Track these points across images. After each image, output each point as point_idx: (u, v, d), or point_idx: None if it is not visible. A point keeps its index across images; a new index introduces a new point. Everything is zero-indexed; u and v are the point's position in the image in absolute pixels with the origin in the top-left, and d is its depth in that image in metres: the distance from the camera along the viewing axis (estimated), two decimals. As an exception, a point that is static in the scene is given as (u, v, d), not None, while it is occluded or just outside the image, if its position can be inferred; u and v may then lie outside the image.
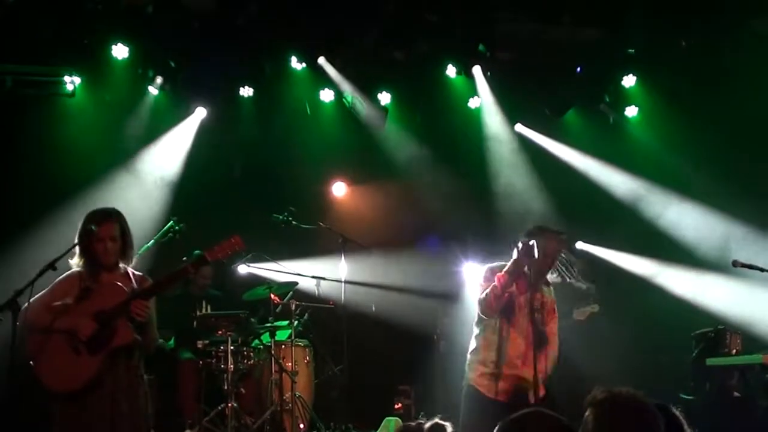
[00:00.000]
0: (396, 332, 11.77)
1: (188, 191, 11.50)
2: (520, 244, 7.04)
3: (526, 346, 7.21)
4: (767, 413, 9.20)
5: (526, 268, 7.10)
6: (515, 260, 7.06)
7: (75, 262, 6.55)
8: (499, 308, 7.17)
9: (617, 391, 3.73)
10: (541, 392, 7.04)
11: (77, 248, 6.52)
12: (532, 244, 7.02)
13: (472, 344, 7.43)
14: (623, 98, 12.55)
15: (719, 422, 9.46)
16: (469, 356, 7.41)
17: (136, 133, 11.38)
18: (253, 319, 10.51)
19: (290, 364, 10.28)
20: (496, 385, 7.15)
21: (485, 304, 7.15)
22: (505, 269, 7.11)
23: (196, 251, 9.75)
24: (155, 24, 10.46)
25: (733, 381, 9.79)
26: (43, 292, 6.41)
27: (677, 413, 4.01)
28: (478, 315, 7.34)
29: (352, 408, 10.80)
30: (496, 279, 7.11)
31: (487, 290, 7.11)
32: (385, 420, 10.26)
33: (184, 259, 9.42)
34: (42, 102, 11.16)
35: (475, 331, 7.43)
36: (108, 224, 6.56)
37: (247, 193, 11.93)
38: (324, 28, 11.25)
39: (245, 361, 10.14)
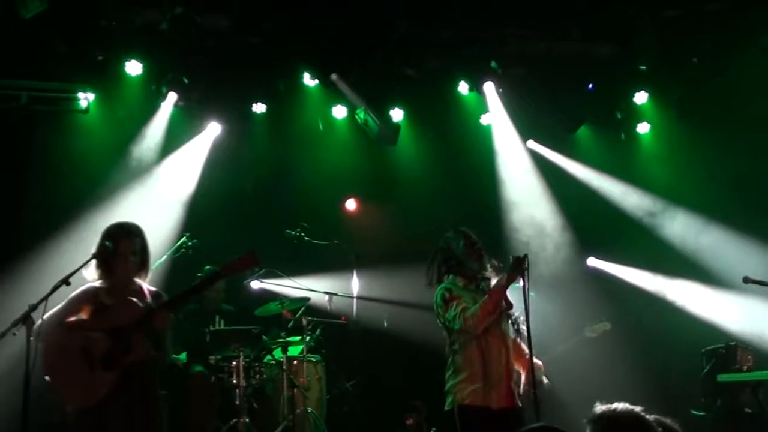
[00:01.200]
0: (408, 347, 11.80)
1: (201, 207, 11.56)
2: (517, 262, 7.03)
3: (507, 356, 7.22)
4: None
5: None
6: (509, 276, 7.04)
7: (91, 276, 6.58)
8: (487, 324, 7.14)
9: (615, 407, 3.77)
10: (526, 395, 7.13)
11: (94, 262, 6.55)
12: (524, 258, 7.06)
13: (452, 367, 7.27)
14: (635, 114, 12.58)
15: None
16: (451, 380, 7.23)
17: (150, 149, 11.44)
18: (265, 337, 10.55)
19: (302, 379, 10.32)
20: (489, 397, 7.07)
21: (475, 321, 7.04)
22: (499, 286, 7.10)
23: (207, 267, 9.91)
24: (169, 41, 10.51)
25: (745, 397, 9.78)
26: (59, 307, 6.44)
27: (677, 427, 4.04)
28: (456, 333, 7.21)
29: (364, 423, 10.83)
30: (488, 296, 7.09)
31: (476, 308, 7.06)
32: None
33: (199, 274, 9.51)
34: (56, 118, 11.23)
35: (453, 351, 7.28)
36: (129, 239, 6.61)
37: (259, 209, 12.01)
38: (337, 44, 11.28)
39: (257, 376, 10.19)
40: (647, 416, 3.81)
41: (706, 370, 10.25)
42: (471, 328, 7.07)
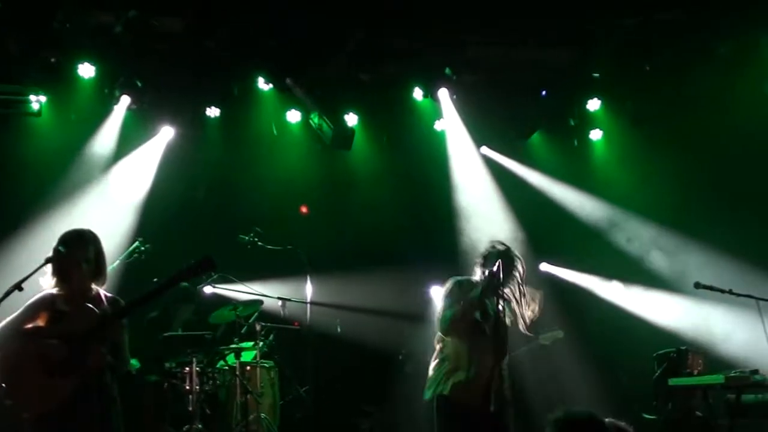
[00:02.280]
0: (362, 353, 11.80)
1: (154, 211, 11.47)
2: (496, 264, 7.24)
3: (495, 360, 7.34)
4: (728, 432, 9.31)
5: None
6: (490, 281, 7.22)
7: (47, 284, 6.50)
8: (463, 327, 7.32)
9: (574, 411, 3.82)
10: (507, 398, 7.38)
11: (49, 268, 6.47)
12: (508, 263, 7.34)
13: (439, 356, 7.52)
14: (588, 121, 12.67)
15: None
16: (435, 369, 7.50)
17: (102, 152, 11.32)
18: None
19: (255, 385, 10.27)
20: (470, 393, 7.27)
21: (451, 322, 7.31)
22: (474, 296, 7.30)
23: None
24: (123, 44, 10.42)
25: (695, 401, 9.88)
26: (15, 314, 6.36)
27: (630, 430, 4.11)
28: (445, 329, 7.44)
29: (317, 429, 10.82)
30: (458, 309, 7.29)
31: (456, 308, 7.28)
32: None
33: (155, 279, 9.42)
34: (7, 120, 11.09)
35: (442, 343, 7.53)
36: (83, 246, 6.52)
37: (213, 214, 11.95)
38: (292, 49, 11.25)
39: (210, 382, 10.14)
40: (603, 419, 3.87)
41: (657, 374, 10.34)
42: (442, 330, 7.42)
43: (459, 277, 7.61)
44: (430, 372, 7.54)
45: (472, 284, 7.49)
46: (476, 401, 7.25)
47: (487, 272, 7.33)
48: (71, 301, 6.45)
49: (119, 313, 6.48)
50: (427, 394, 7.49)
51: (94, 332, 6.28)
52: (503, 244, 7.74)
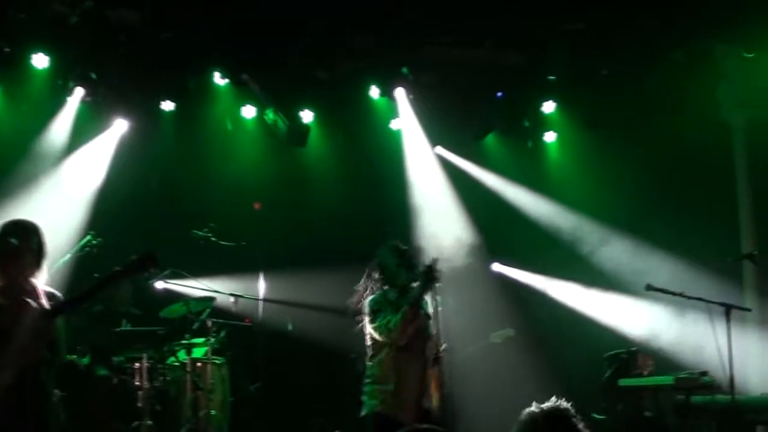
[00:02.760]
0: (313, 351, 11.77)
1: (107, 205, 11.32)
2: (429, 270, 7.30)
3: (423, 372, 7.43)
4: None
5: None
6: (425, 287, 7.30)
7: None
8: (409, 334, 7.34)
9: (542, 407, 3.87)
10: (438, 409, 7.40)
11: None
12: (434, 263, 7.34)
13: (370, 372, 7.53)
14: (542, 123, 12.74)
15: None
16: (368, 385, 7.50)
17: (55, 144, 11.16)
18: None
19: (206, 381, 10.20)
20: (401, 407, 7.29)
21: (397, 331, 7.29)
22: (414, 296, 7.35)
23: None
24: (78, 35, 10.30)
25: (645, 402, 9.98)
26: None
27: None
28: (378, 344, 7.47)
29: (268, 427, 10.79)
30: (407, 306, 7.29)
31: (397, 318, 7.28)
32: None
33: (96, 275, 9.33)
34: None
35: (372, 358, 7.54)
36: (25, 238, 6.39)
37: (166, 209, 11.82)
38: (248, 44, 11.20)
39: (161, 378, 10.05)
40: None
41: (607, 375, 10.43)
42: (394, 339, 7.33)
43: (372, 296, 7.60)
44: (363, 391, 7.54)
45: (388, 299, 7.51)
46: (410, 414, 7.27)
47: (427, 266, 7.34)
48: (8, 295, 6.28)
49: (58, 308, 6.35)
50: (363, 411, 7.50)
51: (29, 327, 6.15)
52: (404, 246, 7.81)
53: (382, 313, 7.40)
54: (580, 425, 3.91)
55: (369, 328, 7.49)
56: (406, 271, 7.56)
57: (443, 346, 7.53)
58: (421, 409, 7.34)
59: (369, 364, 7.55)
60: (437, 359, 7.48)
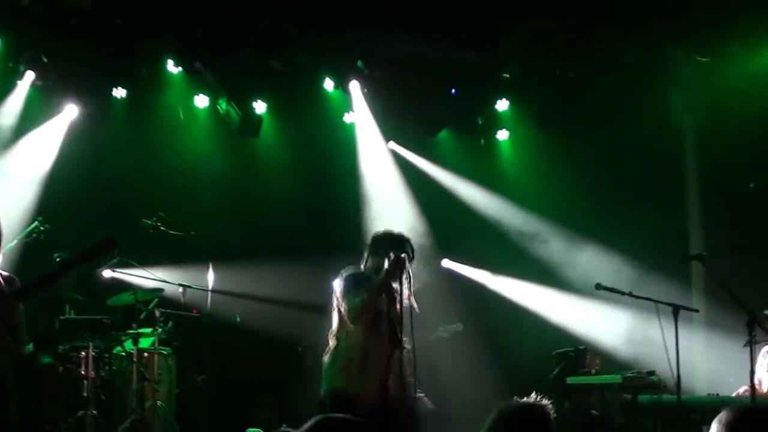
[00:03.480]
0: (261, 343, 11.71)
1: (55, 191, 11.15)
2: (392, 256, 7.30)
3: (389, 356, 7.43)
4: (624, 431, 9.48)
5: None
6: (389, 272, 7.27)
7: None
8: (368, 318, 7.35)
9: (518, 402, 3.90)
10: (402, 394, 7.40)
11: None
12: (404, 257, 7.34)
13: (334, 353, 7.51)
14: (495, 121, 12.79)
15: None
16: (329, 364, 7.50)
17: (4, 128, 10.99)
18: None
19: (152, 372, 10.11)
20: (363, 387, 7.30)
21: (357, 313, 7.30)
22: (379, 282, 7.33)
23: (57, 254, 9.61)
24: (30, 18, 10.14)
25: (592, 399, 10.05)
26: None
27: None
28: (341, 324, 7.46)
29: (214, 418, 10.72)
30: (366, 292, 7.29)
31: (357, 300, 7.28)
32: (246, 431, 10.19)
33: (58, 260, 9.23)
34: None
35: (337, 339, 7.52)
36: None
37: (115, 196, 11.67)
38: (203, 32, 11.13)
39: (107, 367, 9.95)
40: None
41: (555, 373, 10.51)
42: (351, 319, 7.35)
43: (352, 269, 7.59)
44: (324, 368, 7.53)
45: (367, 274, 7.52)
46: (372, 395, 7.28)
47: (392, 255, 7.33)
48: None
49: (18, 293, 6.27)
50: (322, 390, 7.48)
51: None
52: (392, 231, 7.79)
53: (354, 291, 7.38)
54: (553, 425, 3.93)
55: (340, 302, 7.48)
56: (384, 258, 7.48)
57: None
58: (385, 391, 7.36)
59: (333, 342, 7.53)
60: (400, 342, 7.49)
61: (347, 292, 7.42)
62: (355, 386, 7.31)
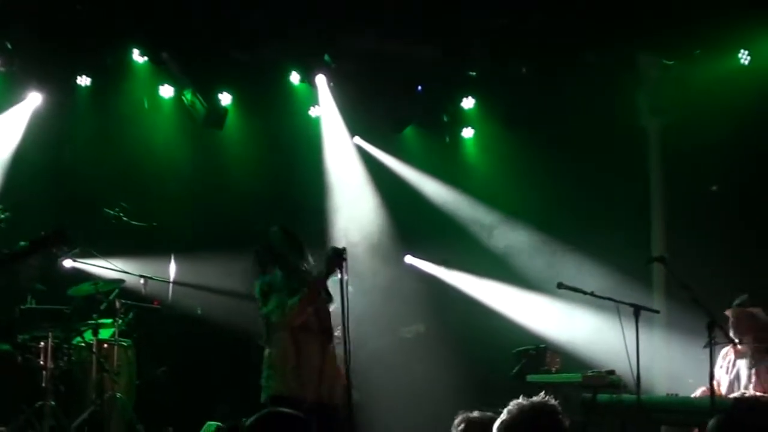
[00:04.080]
0: (222, 336, 11.68)
1: (17, 180, 11.08)
2: (335, 255, 7.40)
3: (323, 354, 7.53)
4: (584, 430, 9.54)
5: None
6: (328, 267, 7.38)
7: None
8: (305, 317, 7.43)
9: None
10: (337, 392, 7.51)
11: None
12: (343, 250, 7.43)
13: (269, 358, 7.56)
14: (461, 119, 12.83)
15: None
16: (265, 372, 7.55)
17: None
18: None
19: (112, 363, 10.08)
20: (302, 389, 7.35)
21: (293, 313, 7.35)
22: (317, 278, 7.46)
23: (21, 243, 9.53)
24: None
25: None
26: None
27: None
28: (273, 327, 7.51)
29: (173, 411, 10.70)
30: (307, 287, 7.39)
31: (295, 300, 7.34)
32: (206, 424, 10.17)
33: (6, 251, 9.16)
34: None
35: (269, 341, 7.58)
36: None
37: (79, 186, 11.59)
38: (169, 22, 11.09)
39: (66, 358, 9.90)
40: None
41: (515, 370, 10.55)
42: (290, 320, 7.36)
43: (265, 278, 7.64)
44: (262, 376, 7.58)
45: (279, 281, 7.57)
46: (309, 395, 7.34)
47: (333, 250, 7.44)
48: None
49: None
50: (262, 397, 7.52)
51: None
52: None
53: (274, 294, 7.44)
54: (566, 422, 4.00)
55: (262, 312, 7.55)
56: (297, 254, 7.64)
57: (338, 331, 7.65)
58: (323, 390, 7.43)
59: (266, 348, 7.59)
60: (331, 337, 7.63)
61: (272, 295, 7.48)
62: (293, 389, 7.34)
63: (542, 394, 4.08)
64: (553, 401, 4.04)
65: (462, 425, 5.07)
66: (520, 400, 4.04)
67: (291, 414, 3.81)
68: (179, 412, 10.70)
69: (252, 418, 3.78)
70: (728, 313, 8.96)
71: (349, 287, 7.50)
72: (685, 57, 11.29)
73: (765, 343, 8.86)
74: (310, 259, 7.71)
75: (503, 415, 4.00)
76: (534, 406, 4.00)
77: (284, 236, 7.74)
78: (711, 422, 4.63)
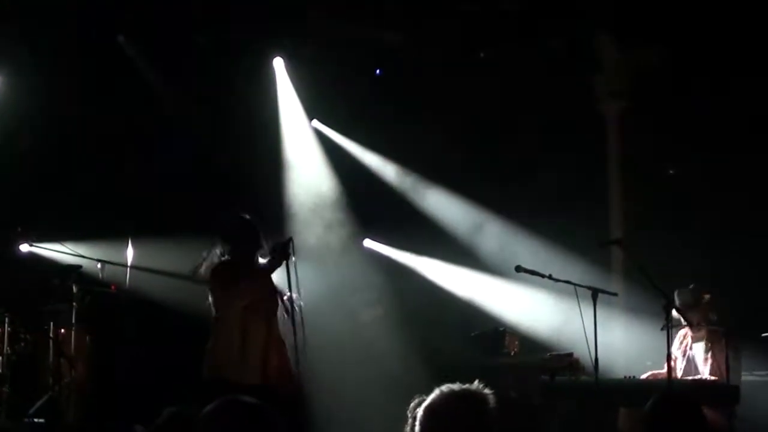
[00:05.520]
0: (180, 320, 11.65)
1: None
2: (283, 246, 7.60)
3: (267, 337, 7.66)
4: (542, 412, 9.69)
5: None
6: (272, 260, 7.55)
7: None
8: (247, 302, 7.56)
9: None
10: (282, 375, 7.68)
11: None
12: (288, 242, 7.65)
13: (213, 338, 7.74)
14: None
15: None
16: (209, 351, 7.73)
17: None
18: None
19: (69, 349, 10.08)
20: (242, 372, 7.48)
21: (237, 298, 7.52)
22: (263, 269, 7.62)
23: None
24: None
25: (510, 381, 10.21)
26: None
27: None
28: (221, 309, 7.67)
29: (132, 395, 10.67)
30: (251, 276, 7.57)
31: (241, 287, 7.49)
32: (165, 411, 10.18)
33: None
34: None
35: (216, 325, 7.75)
36: None
37: (37, 170, 11.52)
38: (126, 5, 11.07)
39: (22, 344, 9.89)
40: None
41: (474, 354, 10.66)
42: (233, 304, 7.55)
43: (225, 262, 7.75)
44: (206, 354, 7.75)
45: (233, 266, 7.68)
46: (251, 377, 7.47)
47: (281, 242, 7.63)
48: None
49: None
50: (204, 372, 7.68)
51: None
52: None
53: (226, 279, 7.56)
54: (493, 413, 3.92)
55: (213, 295, 7.68)
56: (251, 241, 7.74)
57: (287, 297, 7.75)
58: (265, 372, 7.57)
59: (216, 330, 7.72)
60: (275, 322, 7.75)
61: (226, 279, 7.58)
62: (233, 373, 7.46)
63: (476, 382, 4.02)
64: (486, 391, 3.95)
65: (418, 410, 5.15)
66: (452, 385, 3.96)
67: (255, 405, 3.61)
68: (137, 398, 10.70)
69: (210, 408, 3.57)
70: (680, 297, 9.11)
71: (301, 302, 7.72)
72: (641, 39, 11.41)
73: (721, 326, 9.05)
74: (267, 247, 7.77)
75: (431, 396, 3.94)
76: (464, 393, 3.91)
77: (239, 223, 7.83)
78: (648, 403, 4.74)
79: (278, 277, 7.81)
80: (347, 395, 11.07)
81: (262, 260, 7.70)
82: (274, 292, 7.78)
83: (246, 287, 7.49)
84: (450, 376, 4.26)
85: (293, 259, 7.62)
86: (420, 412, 3.92)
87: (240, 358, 7.50)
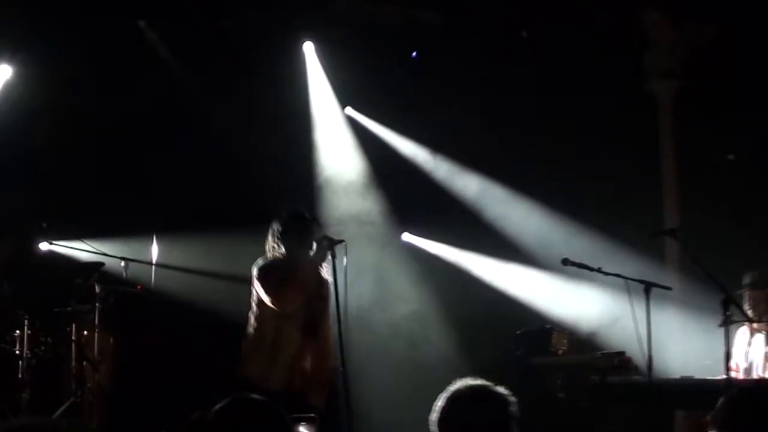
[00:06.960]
0: (208, 320, 11.63)
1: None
2: (323, 241, 7.55)
3: (302, 344, 7.66)
4: (592, 415, 9.53)
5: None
6: (319, 257, 7.52)
7: None
8: (298, 302, 7.53)
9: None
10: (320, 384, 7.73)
11: None
12: (338, 243, 7.59)
13: (247, 338, 7.80)
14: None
15: (542, 423, 9.76)
16: (243, 350, 7.82)
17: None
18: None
19: (93, 352, 10.07)
20: (270, 377, 7.52)
21: (286, 299, 7.49)
22: (309, 265, 7.56)
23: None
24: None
25: (558, 382, 10.07)
26: None
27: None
28: (262, 308, 7.65)
29: (158, 398, 10.66)
30: (299, 275, 7.49)
31: (285, 285, 7.47)
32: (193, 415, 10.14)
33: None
34: None
35: (252, 324, 7.76)
36: None
37: (55, 165, 11.49)
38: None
39: (43, 347, 9.88)
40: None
41: (519, 353, 10.52)
42: (280, 306, 7.50)
43: (269, 262, 7.74)
44: (241, 353, 7.80)
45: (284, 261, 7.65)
46: (277, 385, 7.44)
47: (324, 239, 7.56)
48: None
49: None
50: (234, 378, 7.68)
51: None
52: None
53: (273, 278, 7.52)
54: (512, 408, 4.01)
55: (258, 293, 7.63)
56: (303, 239, 7.68)
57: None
58: (295, 378, 7.60)
59: (249, 329, 7.75)
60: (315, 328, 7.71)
61: (276, 281, 7.53)
62: (260, 378, 7.50)
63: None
64: (503, 390, 4.05)
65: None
66: (469, 380, 4.07)
67: (260, 401, 3.73)
68: (162, 400, 10.68)
69: (220, 405, 3.69)
70: (744, 292, 8.93)
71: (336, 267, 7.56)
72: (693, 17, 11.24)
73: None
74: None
75: (448, 390, 4.04)
76: (480, 389, 4.03)
77: (292, 219, 7.80)
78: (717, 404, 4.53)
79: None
80: (387, 395, 11.00)
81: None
82: (323, 296, 7.75)
83: (293, 295, 7.50)
84: (494, 376, 4.24)
85: (344, 263, 7.60)
86: (440, 402, 4.03)
87: (267, 363, 7.57)
